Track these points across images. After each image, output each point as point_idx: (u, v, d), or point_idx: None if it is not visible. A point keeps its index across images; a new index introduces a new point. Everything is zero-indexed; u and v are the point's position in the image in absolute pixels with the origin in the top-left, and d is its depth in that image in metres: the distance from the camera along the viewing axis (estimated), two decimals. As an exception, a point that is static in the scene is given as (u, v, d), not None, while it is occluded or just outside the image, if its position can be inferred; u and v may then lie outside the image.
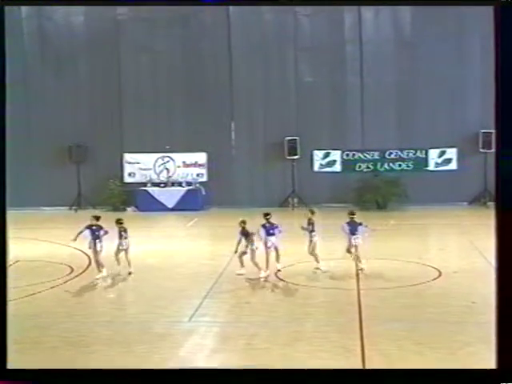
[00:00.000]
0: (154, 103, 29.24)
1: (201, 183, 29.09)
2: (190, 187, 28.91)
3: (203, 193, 28.79)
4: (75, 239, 17.12)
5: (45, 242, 21.48)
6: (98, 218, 17.27)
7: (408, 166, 28.64)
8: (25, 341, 11.75)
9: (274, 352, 11.64)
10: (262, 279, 16.49)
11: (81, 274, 17.41)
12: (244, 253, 16.63)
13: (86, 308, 15.05)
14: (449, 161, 28.53)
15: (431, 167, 28.61)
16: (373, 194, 28.03)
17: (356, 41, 28.51)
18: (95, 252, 16.93)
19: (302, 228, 17.33)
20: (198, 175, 29.32)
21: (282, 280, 16.61)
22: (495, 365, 7.50)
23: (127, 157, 29.52)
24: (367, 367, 10.82)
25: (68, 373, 8.33)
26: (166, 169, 29.52)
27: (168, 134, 28.91)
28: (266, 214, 17.12)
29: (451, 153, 28.47)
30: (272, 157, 29.00)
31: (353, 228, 17.15)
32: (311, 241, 17.27)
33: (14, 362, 7.91)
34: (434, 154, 28.53)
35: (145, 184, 29.21)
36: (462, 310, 14.04)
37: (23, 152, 27.83)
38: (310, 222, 17.34)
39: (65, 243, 18.38)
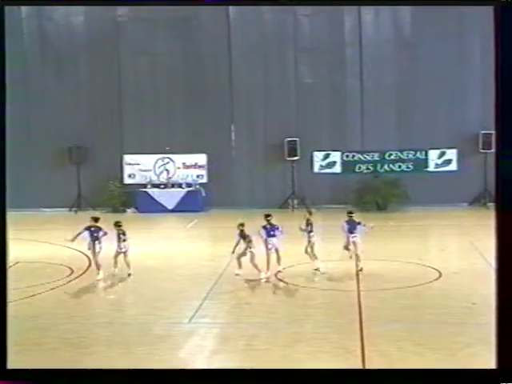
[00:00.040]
0: (154, 104, 29.21)
1: (201, 184, 29.06)
2: (190, 188, 28.89)
3: (203, 194, 28.78)
4: (72, 240, 17.12)
5: (45, 244, 21.45)
6: (96, 220, 17.27)
7: (408, 167, 28.63)
8: (25, 342, 11.74)
9: (274, 353, 11.63)
10: (262, 280, 16.47)
11: (81, 275, 17.39)
12: (242, 254, 16.63)
13: (86, 309, 15.05)
14: (449, 162, 28.52)
15: (431, 168, 28.59)
16: (373, 195, 28.01)
17: (356, 43, 28.48)
18: (94, 253, 16.93)
19: (301, 229, 17.35)
20: (197, 176, 29.30)
21: (282, 281, 16.61)
22: (495, 365, 7.49)
23: (127, 158, 29.50)
24: (367, 368, 10.81)
25: (68, 373, 8.32)
26: (166, 170, 29.51)
27: (168, 135, 28.90)
28: (267, 216, 17.14)
29: (451, 154, 28.46)
30: (272, 158, 28.99)
31: (351, 227, 17.37)
32: (309, 241, 17.30)
33: (13, 363, 7.90)
34: (433, 154, 28.52)
35: (145, 185, 29.19)
36: (462, 310, 14.03)
37: (23, 153, 27.81)
38: (309, 223, 17.38)
39: (65, 244, 18.36)
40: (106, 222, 17.72)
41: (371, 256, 18.08)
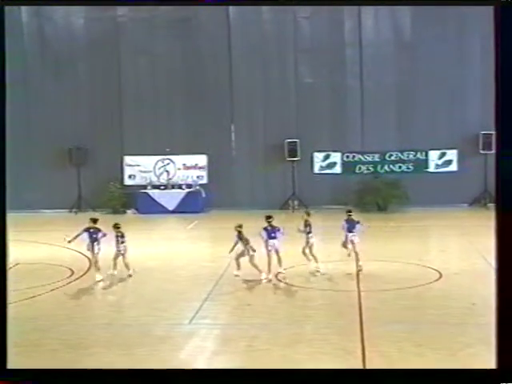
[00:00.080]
0: (154, 105, 29.22)
1: (201, 185, 29.05)
2: (191, 189, 28.89)
3: (203, 195, 28.77)
4: (71, 241, 17.11)
5: (45, 245, 21.44)
6: (95, 221, 17.25)
7: (408, 168, 28.62)
8: (25, 343, 11.73)
9: (275, 354, 11.61)
10: (263, 280, 16.46)
11: (81, 276, 17.37)
12: (241, 255, 16.62)
13: (86, 310, 15.05)
14: (449, 162, 28.51)
15: (431, 169, 28.58)
16: (373, 195, 27.99)
17: (356, 44, 28.48)
18: (93, 255, 16.92)
19: (299, 230, 17.33)
20: (198, 177, 29.29)
21: (282, 282, 16.59)
22: (495, 365, 7.49)
23: (127, 159, 29.49)
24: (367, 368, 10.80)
25: (68, 373, 8.32)
26: (166, 171, 29.50)
27: (168, 136, 28.91)
28: (268, 217, 17.07)
29: (451, 154, 28.45)
30: (272, 159, 28.98)
31: (350, 225, 17.45)
32: (308, 242, 17.29)
33: (13, 364, 7.89)
34: (434, 155, 28.51)
35: (145, 186, 29.18)
36: (462, 311, 14.01)
37: (23, 154, 27.83)
38: (307, 224, 17.35)
39: (65, 246, 18.35)
40: (106, 224, 17.71)
41: (371, 257, 18.08)
